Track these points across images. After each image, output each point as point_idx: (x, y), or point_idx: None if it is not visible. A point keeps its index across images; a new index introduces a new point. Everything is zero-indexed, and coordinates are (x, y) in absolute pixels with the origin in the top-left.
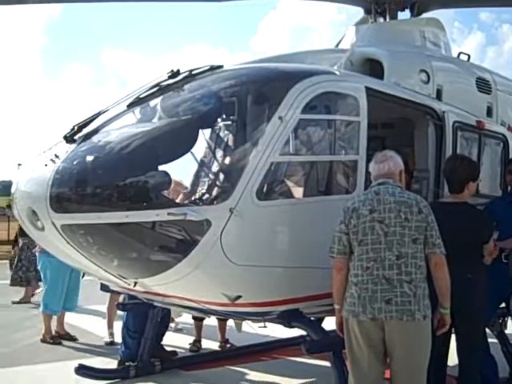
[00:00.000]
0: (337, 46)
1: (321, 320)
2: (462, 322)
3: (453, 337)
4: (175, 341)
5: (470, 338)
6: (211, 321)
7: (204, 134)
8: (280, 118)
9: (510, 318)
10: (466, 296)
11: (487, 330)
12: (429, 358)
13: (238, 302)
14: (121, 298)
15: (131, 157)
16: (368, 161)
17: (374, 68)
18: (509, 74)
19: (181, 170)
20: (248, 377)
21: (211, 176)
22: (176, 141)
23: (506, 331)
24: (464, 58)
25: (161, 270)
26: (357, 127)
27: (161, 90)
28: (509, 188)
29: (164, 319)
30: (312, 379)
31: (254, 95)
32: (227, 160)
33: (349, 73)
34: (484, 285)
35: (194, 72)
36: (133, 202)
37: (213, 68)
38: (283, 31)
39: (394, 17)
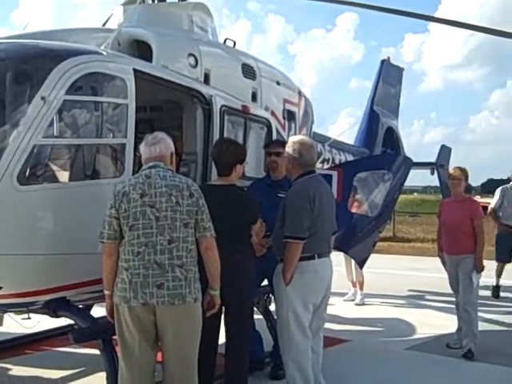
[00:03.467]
0: (104, 25)
1: (90, 307)
2: (231, 301)
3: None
4: None
5: (238, 316)
6: None
7: None
8: (43, 98)
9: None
10: (234, 276)
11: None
12: (200, 339)
13: None
14: None
15: None
16: (136, 144)
17: (141, 50)
18: (273, 61)
19: None
20: (11, 372)
21: None
22: None
23: (270, 307)
24: (230, 44)
25: None
26: (124, 110)
27: None
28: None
29: None
30: (81, 368)
31: (13, 73)
32: None
33: (116, 54)
34: (251, 264)
35: None
36: None
37: None
38: (49, 6)
39: None
